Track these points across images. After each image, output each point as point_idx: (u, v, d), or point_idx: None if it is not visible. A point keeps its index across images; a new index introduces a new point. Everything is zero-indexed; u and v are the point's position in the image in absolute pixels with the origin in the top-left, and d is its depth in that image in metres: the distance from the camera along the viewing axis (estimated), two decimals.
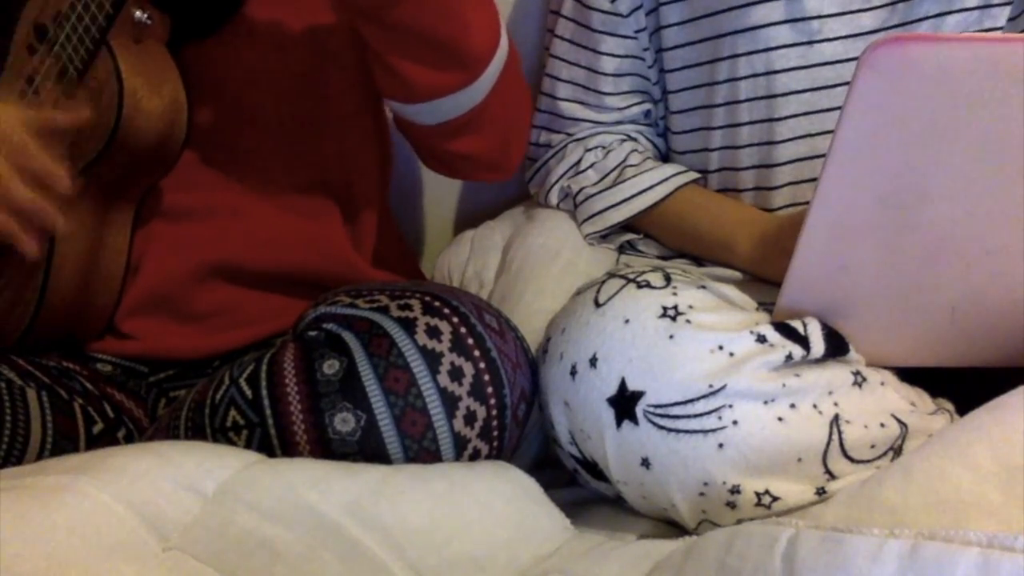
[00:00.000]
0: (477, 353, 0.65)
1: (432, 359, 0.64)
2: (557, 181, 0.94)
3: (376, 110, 0.90)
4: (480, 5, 0.73)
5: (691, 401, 0.63)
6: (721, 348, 0.64)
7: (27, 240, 0.72)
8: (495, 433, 0.66)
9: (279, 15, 0.79)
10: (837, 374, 0.67)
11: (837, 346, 0.67)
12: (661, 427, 0.64)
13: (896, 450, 0.67)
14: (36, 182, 0.71)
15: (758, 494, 0.64)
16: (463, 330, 0.66)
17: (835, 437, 0.65)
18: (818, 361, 0.67)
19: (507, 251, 0.94)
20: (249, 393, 0.66)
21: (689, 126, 0.91)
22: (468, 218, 1.12)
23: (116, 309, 0.82)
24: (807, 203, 0.64)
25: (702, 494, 0.65)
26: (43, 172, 0.71)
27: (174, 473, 0.60)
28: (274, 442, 0.64)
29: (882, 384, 0.69)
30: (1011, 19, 0.83)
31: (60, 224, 0.73)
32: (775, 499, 0.65)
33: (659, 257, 0.91)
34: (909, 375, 0.72)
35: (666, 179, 0.89)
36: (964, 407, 0.69)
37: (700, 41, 0.87)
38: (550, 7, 0.96)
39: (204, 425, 0.67)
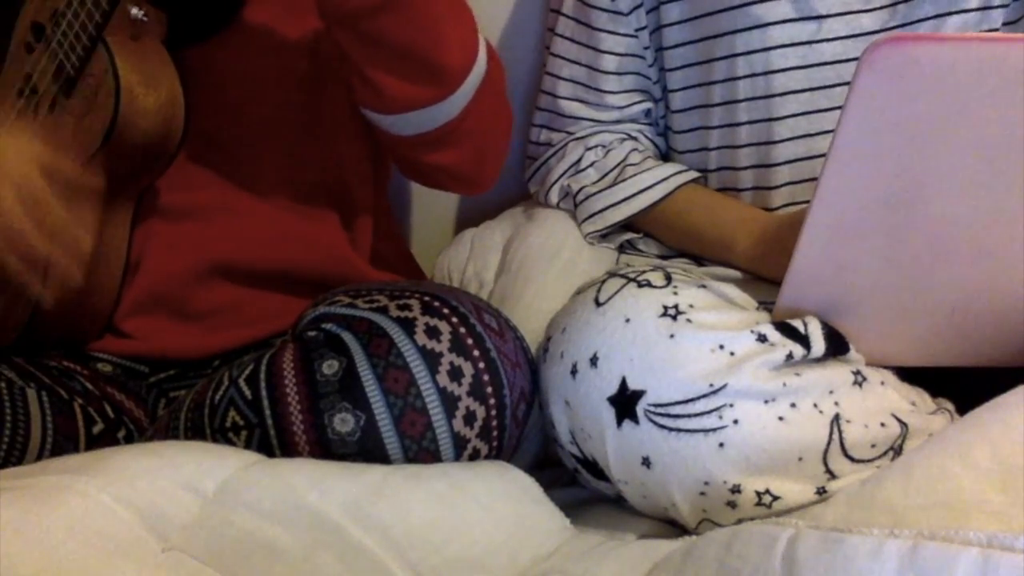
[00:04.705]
0: (476, 353, 0.65)
1: (431, 359, 0.64)
2: (557, 180, 0.94)
3: None
4: (457, 22, 0.74)
5: (692, 400, 0.63)
6: (722, 347, 0.64)
7: (45, 293, 0.70)
8: (495, 433, 0.66)
9: (277, 19, 0.79)
10: (837, 373, 0.67)
11: (837, 345, 0.67)
12: (662, 426, 0.64)
13: (896, 450, 0.67)
14: (53, 237, 0.69)
15: (759, 493, 0.64)
16: (462, 330, 0.66)
17: (835, 436, 0.65)
18: (818, 360, 0.67)
19: (507, 251, 0.94)
20: (248, 393, 0.66)
21: (688, 125, 0.91)
22: (468, 218, 1.12)
23: (116, 308, 0.82)
24: (806, 203, 0.64)
25: (703, 493, 0.65)
26: (61, 229, 0.69)
27: (174, 473, 0.60)
28: (273, 442, 0.64)
29: (882, 384, 0.69)
30: (1007, 23, 0.83)
31: (79, 281, 0.71)
32: (775, 498, 0.65)
33: (659, 256, 0.91)
34: (909, 375, 0.72)
35: (666, 178, 0.89)
36: (964, 407, 0.69)
37: (700, 40, 0.87)
38: (551, 6, 0.96)
39: (203, 425, 0.67)
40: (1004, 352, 0.70)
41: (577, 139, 0.94)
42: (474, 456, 0.66)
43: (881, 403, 0.67)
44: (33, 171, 0.70)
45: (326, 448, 0.63)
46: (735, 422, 0.63)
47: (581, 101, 0.94)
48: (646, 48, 0.90)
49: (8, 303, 0.80)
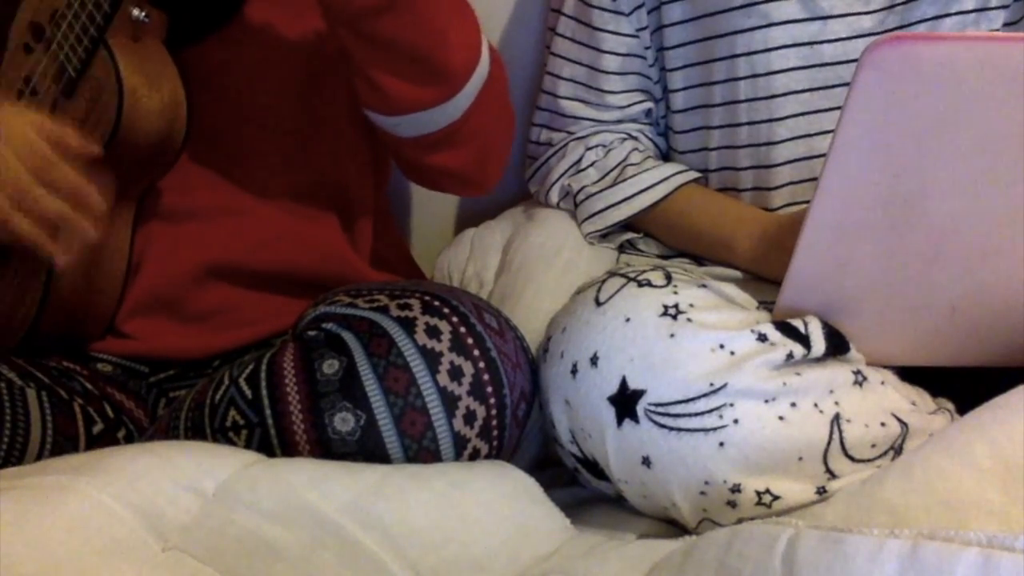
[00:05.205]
0: (477, 353, 0.65)
1: (432, 359, 0.64)
2: (557, 180, 0.94)
3: None
4: (461, 22, 0.74)
5: (692, 400, 0.63)
6: (722, 347, 0.64)
7: (58, 251, 0.68)
8: (495, 433, 0.66)
9: (278, 18, 0.79)
10: (838, 373, 0.67)
11: (838, 345, 0.67)
12: (662, 426, 0.64)
13: (896, 449, 0.67)
14: (65, 194, 0.68)
15: (759, 493, 0.64)
16: (463, 330, 0.66)
17: (836, 436, 0.65)
18: (819, 360, 0.67)
19: (507, 251, 0.94)
20: (249, 393, 0.66)
21: (689, 125, 0.91)
22: (468, 218, 1.12)
23: (117, 309, 0.82)
24: (806, 203, 0.64)
25: (703, 493, 0.65)
26: (71, 186, 0.68)
27: (174, 473, 0.60)
28: (274, 442, 0.64)
29: (883, 383, 0.69)
30: (1008, 24, 0.83)
31: (95, 236, 0.69)
32: (776, 498, 0.65)
33: (659, 256, 0.91)
34: (909, 375, 0.72)
35: (666, 178, 0.89)
36: (964, 407, 0.69)
37: (701, 40, 0.87)
38: (551, 5, 0.96)
39: (204, 425, 0.67)
40: (1004, 352, 0.70)
41: (578, 139, 0.94)
42: (474, 456, 0.66)
43: (881, 403, 0.67)
44: (31, 132, 0.68)
45: (326, 448, 0.63)
46: (735, 421, 0.63)
47: (582, 101, 0.93)
48: (647, 48, 0.90)
49: (14, 303, 0.80)
